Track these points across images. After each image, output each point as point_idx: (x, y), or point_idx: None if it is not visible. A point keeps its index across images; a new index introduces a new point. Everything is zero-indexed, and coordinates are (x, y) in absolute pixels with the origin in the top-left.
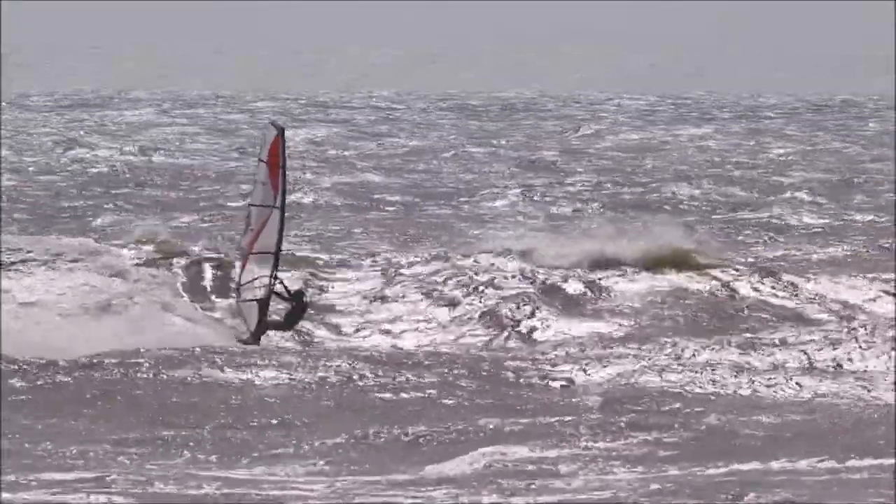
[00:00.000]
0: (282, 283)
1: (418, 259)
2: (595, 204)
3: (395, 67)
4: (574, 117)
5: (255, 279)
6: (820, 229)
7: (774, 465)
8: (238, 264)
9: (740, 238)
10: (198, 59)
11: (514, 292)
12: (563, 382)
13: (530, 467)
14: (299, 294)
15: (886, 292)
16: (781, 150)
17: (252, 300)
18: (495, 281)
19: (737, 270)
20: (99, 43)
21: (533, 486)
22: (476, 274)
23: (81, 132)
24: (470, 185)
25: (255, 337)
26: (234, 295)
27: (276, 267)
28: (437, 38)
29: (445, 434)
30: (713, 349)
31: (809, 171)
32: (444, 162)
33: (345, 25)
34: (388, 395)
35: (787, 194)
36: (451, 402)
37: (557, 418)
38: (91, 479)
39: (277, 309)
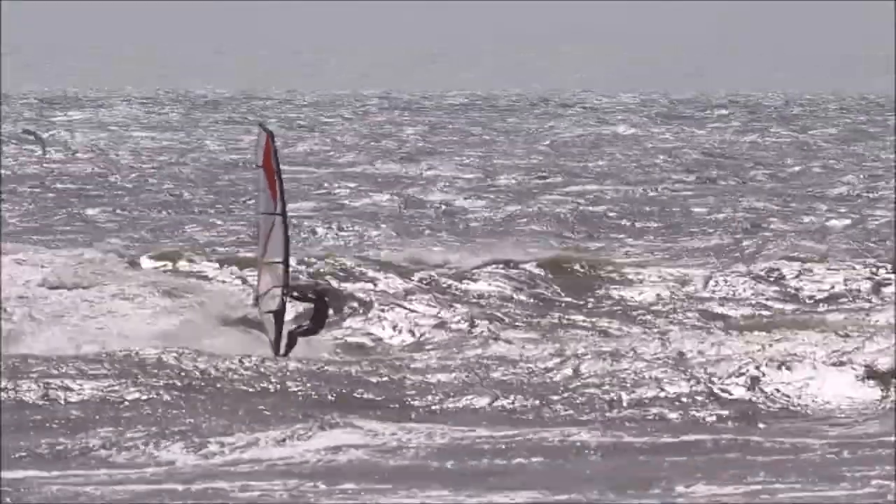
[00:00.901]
0: (295, 290)
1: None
2: (513, 206)
3: (395, 67)
4: (554, 115)
5: (271, 289)
6: (713, 223)
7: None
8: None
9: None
10: (198, 59)
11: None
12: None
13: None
14: (320, 293)
15: (724, 276)
16: (741, 148)
17: (269, 312)
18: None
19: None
20: (99, 43)
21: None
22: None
23: (39, 129)
24: (402, 181)
25: (277, 348)
26: (253, 306)
27: (286, 275)
28: (437, 38)
29: None
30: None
31: (752, 168)
32: (394, 159)
33: (345, 25)
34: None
35: (713, 194)
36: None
37: None
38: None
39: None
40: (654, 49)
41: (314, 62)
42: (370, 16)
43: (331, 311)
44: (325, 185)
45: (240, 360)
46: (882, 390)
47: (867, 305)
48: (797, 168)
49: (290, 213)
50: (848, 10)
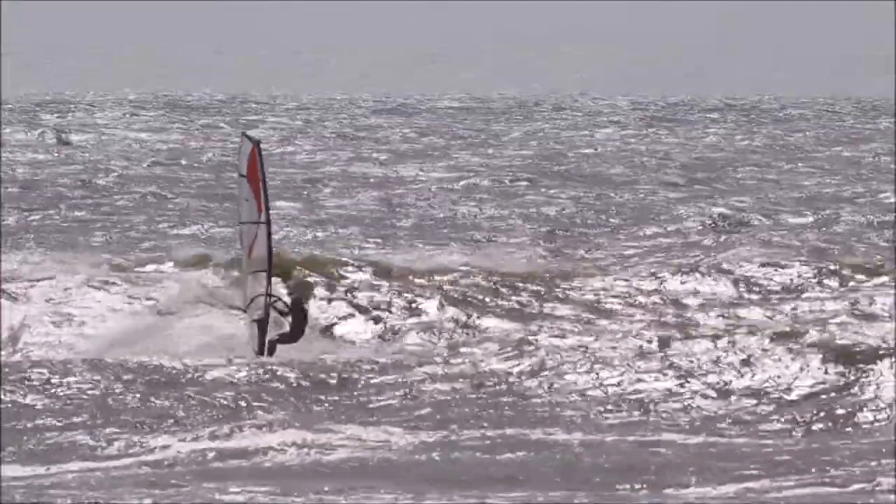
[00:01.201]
0: (278, 299)
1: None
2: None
3: (395, 67)
4: (547, 118)
5: (255, 298)
6: (661, 224)
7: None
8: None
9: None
10: (198, 59)
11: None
12: None
13: None
14: (297, 303)
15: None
16: (730, 150)
17: (253, 320)
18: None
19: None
20: (99, 43)
21: None
22: None
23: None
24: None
25: (261, 354)
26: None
27: (269, 284)
28: (437, 38)
29: None
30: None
31: (738, 170)
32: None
33: (345, 25)
34: None
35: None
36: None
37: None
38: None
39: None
40: (654, 49)
41: (314, 62)
42: (370, 16)
43: (308, 320)
44: (310, 186)
45: (221, 356)
46: (846, 372)
47: (835, 295)
48: (784, 168)
49: (270, 213)
50: (848, 10)
